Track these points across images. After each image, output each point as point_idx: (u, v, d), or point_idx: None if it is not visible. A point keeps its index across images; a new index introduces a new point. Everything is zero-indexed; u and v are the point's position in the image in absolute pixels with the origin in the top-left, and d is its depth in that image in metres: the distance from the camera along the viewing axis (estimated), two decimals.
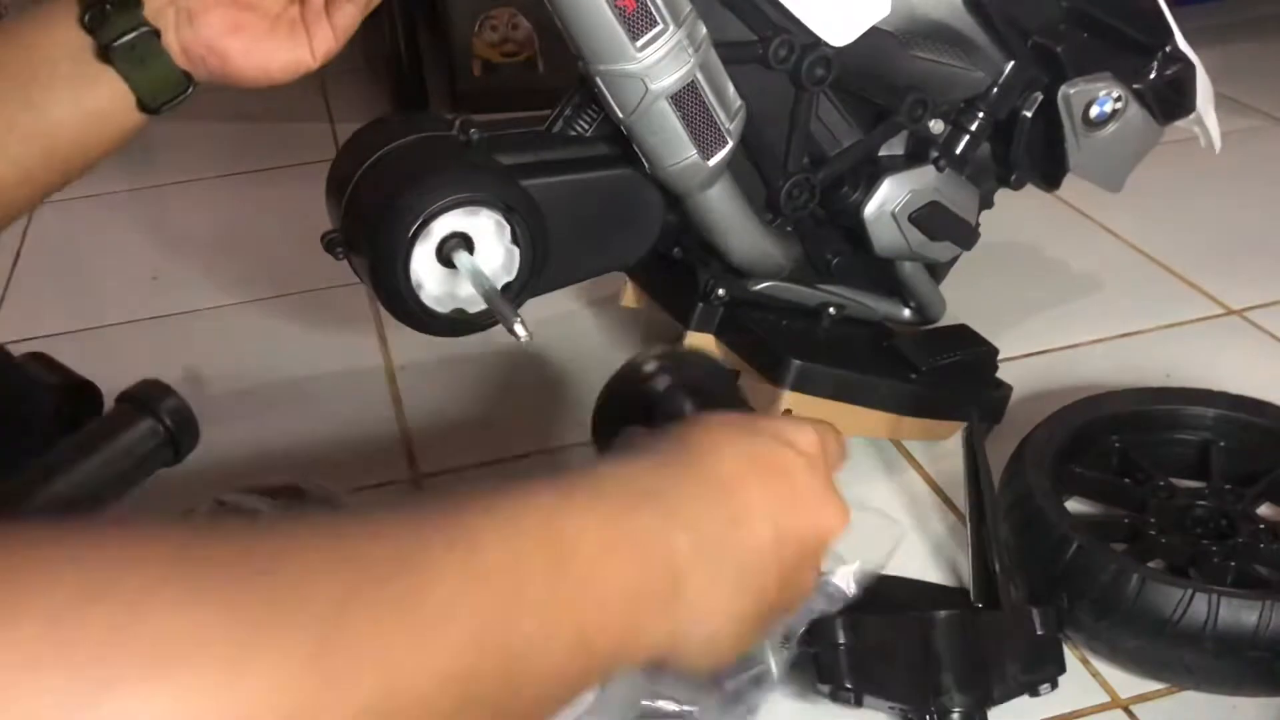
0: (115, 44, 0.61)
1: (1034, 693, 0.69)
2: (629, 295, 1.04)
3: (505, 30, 1.64)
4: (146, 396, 0.79)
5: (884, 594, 0.77)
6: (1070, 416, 0.85)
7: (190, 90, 0.65)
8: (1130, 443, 0.86)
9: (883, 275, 0.95)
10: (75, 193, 1.52)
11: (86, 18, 0.61)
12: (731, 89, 0.76)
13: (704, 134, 0.75)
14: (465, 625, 0.33)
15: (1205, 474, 0.84)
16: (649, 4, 0.70)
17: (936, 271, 0.98)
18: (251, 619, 0.29)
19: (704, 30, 0.73)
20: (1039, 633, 0.70)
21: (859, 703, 0.68)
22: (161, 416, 0.76)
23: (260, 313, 1.21)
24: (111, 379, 1.05)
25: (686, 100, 0.74)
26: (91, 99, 0.62)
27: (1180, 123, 0.96)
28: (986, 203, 0.96)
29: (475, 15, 1.63)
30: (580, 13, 0.70)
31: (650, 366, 0.60)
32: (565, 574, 0.37)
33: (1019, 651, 0.69)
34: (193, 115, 0.70)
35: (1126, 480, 0.85)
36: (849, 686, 0.68)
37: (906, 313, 0.98)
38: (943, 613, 0.70)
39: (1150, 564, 0.75)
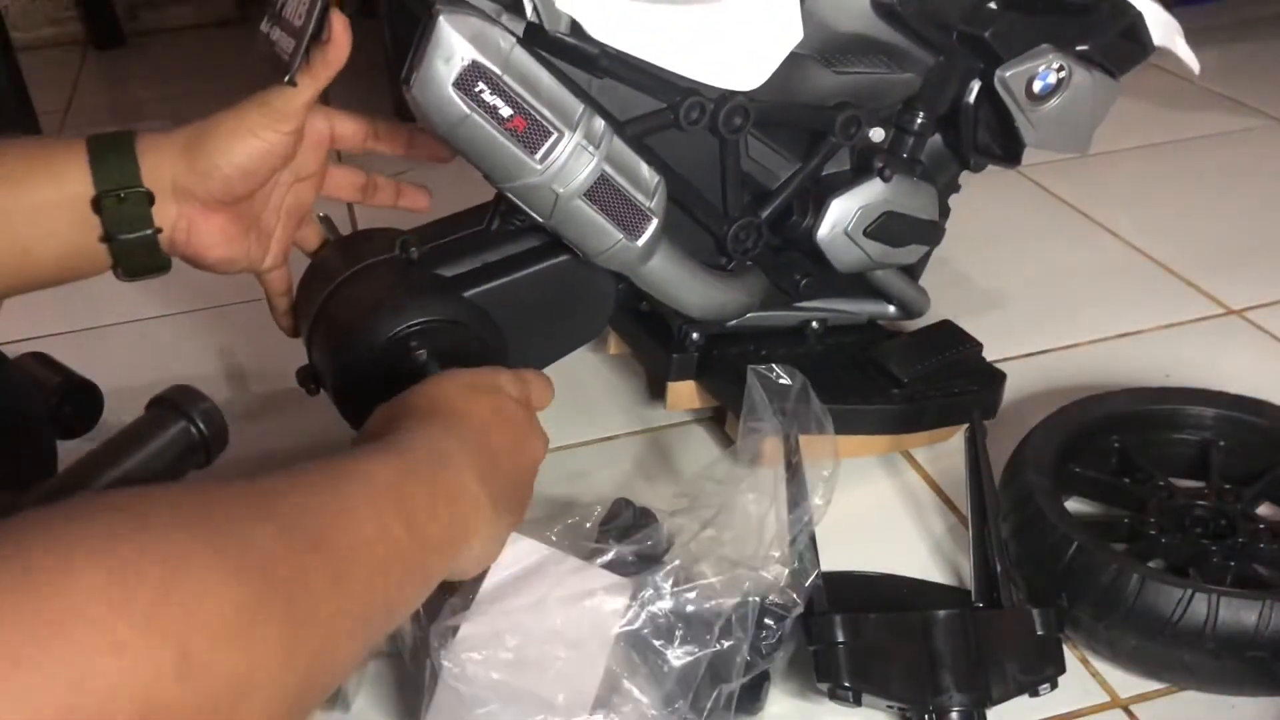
0: (121, 238, 0.67)
1: (1034, 693, 0.69)
2: (614, 344, 1.05)
3: None
4: (180, 400, 0.80)
5: (885, 593, 0.77)
6: (1070, 416, 0.85)
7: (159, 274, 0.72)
8: (1130, 443, 0.86)
9: (858, 280, 0.94)
10: None
11: (100, 204, 0.65)
12: (645, 169, 0.75)
13: (626, 218, 0.75)
14: (360, 577, 0.47)
15: (1205, 474, 0.84)
16: (538, 119, 0.70)
17: (913, 269, 0.97)
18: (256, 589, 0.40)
19: (601, 124, 0.73)
20: (1039, 633, 0.70)
21: (857, 701, 0.68)
22: (195, 419, 0.77)
23: (260, 313, 1.20)
24: (111, 379, 1.06)
25: (600, 193, 0.73)
26: (77, 260, 0.68)
27: (1153, 58, 0.92)
28: (951, 188, 0.95)
29: None
30: (476, 145, 0.70)
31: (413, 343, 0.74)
32: (415, 531, 0.52)
33: (1019, 651, 0.69)
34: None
35: (1126, 480, 0.85)
36: (847, 685, 0.68)
37: (892, 309, 0.97)
38: (943, 612, 0.70)
39: (1150, 564, 0.75)
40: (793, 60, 0.78)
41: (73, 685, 0.33)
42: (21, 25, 2.09)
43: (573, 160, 0.72)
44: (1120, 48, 0.89)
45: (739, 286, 0.86)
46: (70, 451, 0.88)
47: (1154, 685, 0.73)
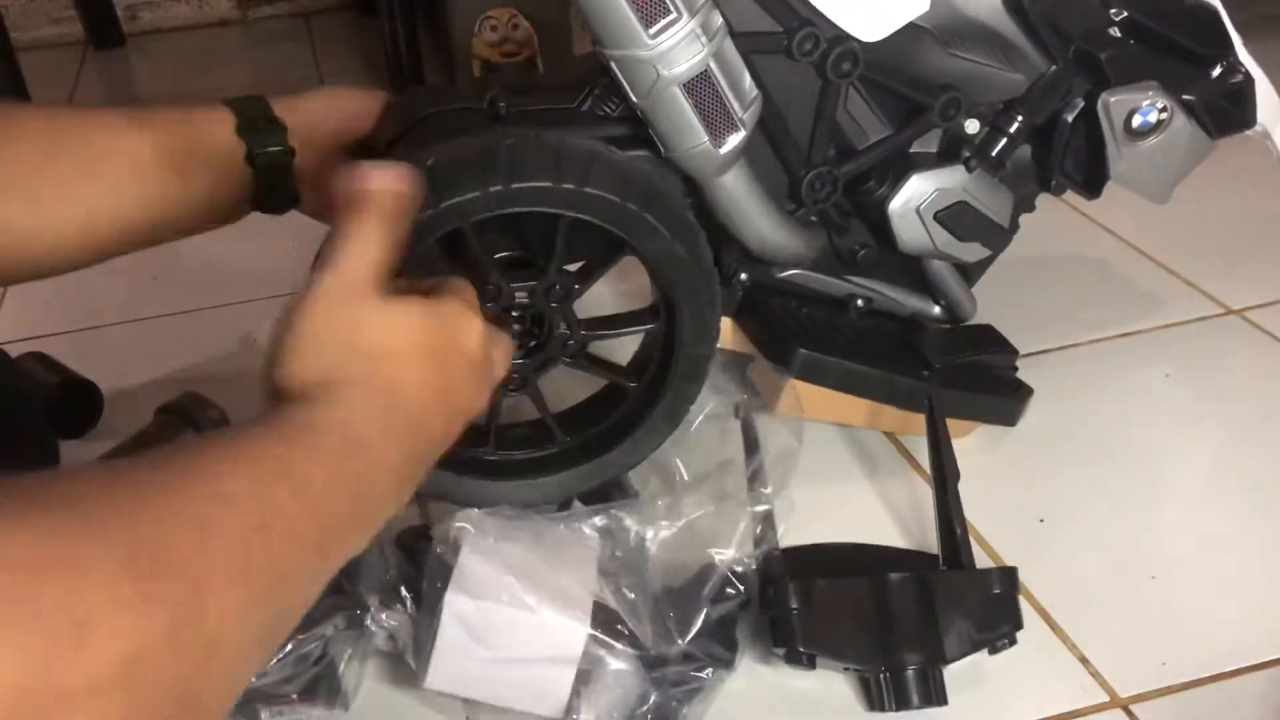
0: (262, 151, 0.75)
1: (992, 650, 0.71)
2: None
3: (505, 30, 1.64)
4: (189, 408, 0.80)
5: (858, 562, 0.81)
6: None
7: (294, 207, 0.80)
8: None
9: (912, 271, 0.94)
10: None
11: (242, 126, 0.74)
12: (748, 80, 0.77)
13: (716, 121, 0.75)
14: (226, 533, 0.43)
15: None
16: None
17: (969, 273, 0.97)
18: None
19: (719, 20, 0.74)
20: (995, 591, 0.72)
21: (812, 664, 0.71)
22: (203, 429, 0.77)
23: (260, 313, 1.21)
24: (111, 379, 1.06)
25: (699, 88, 0.74)
26: (224, 176, 0.74)
27: (1250, 133, 0.93)
28: (1026, 206, 0.95)
29: (475, 15, 1.63)
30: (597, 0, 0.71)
31: None
32: (306, 504, 0.48)
33: (975, 610, 0.71)
34: None
35: None
36: (801, 649, 0.70)
37: (936, 310, 0.97)
38: (894, 575, 0.72)
39: None
40: (913, 29, 0.80)
41: None
42: (21, 25, 2.09)
43: (683, 45, 0.72)
44: (1224, 109, 0.90)
45: (800, 235, 0.86)
46: (70, 451, 0.88)
47: (1154, 685, 0.73)
